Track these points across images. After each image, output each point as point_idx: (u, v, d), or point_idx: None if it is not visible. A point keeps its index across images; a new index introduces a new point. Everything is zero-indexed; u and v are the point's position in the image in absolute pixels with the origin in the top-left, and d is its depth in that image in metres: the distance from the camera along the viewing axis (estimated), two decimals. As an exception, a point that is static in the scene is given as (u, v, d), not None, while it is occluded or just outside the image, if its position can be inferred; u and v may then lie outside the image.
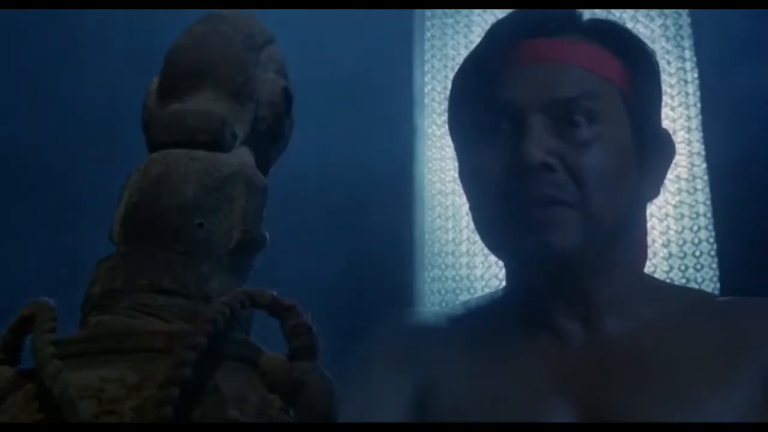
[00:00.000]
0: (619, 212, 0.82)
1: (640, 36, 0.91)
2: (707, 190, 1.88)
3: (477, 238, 0.88)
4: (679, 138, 1.91)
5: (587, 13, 0.89)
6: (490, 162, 0.82)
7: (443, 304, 1.96)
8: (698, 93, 1.94)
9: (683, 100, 1.95)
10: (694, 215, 1.88)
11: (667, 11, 2.03)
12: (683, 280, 1.83)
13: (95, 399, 0.37)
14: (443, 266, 2.02)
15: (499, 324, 0.87)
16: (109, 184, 0.52)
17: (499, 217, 0.82)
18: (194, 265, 0.42)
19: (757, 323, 0.82)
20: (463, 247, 2.01)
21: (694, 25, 1.99)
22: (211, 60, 0.48)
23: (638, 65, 0.86)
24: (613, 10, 1.98)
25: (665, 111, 1.90)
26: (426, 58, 2.20)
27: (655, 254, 1.86)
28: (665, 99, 1.90)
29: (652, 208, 1.82)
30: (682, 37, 2.01)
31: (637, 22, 2.03)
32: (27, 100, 2.05)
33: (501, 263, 0.94)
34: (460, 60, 0.91)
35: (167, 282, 0.42)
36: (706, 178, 1.89)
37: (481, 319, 0.89)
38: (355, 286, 1.87)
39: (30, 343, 0.39)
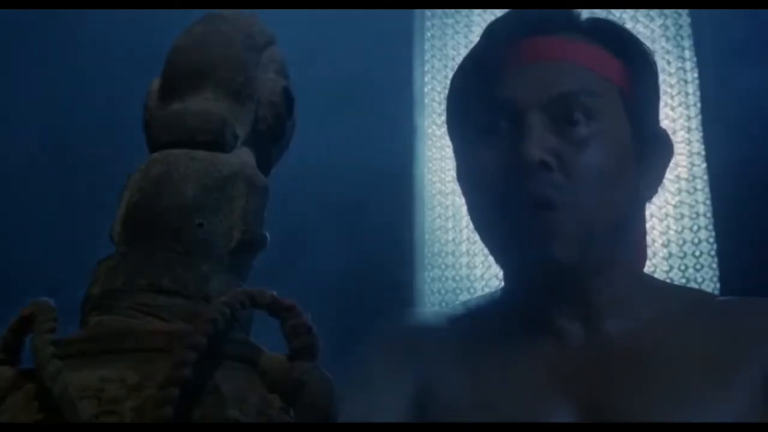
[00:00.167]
0: (618, 211, 0.82)
1: (640, 36, 0.91)
2: (707, 190, 1.88)
3: (477, 238, 0.88)
4: (679, 138, 1.91)
5: (587, 13, 0.89)
6: (489, 162, 0.82)
7: (443, 304, 1.96)
8: (698, 93, 1.94)
9: (683, 100, 1.95)
10: (694, 215, 1.88)
11: (667, 11, 2.03)
12: (683, 280, 1.83)
13: (95, 399, 0.37)
14: (443, 266, 2.02)
15: (499, 324, 0.87)
16: (109, 184, 0.52)
17: (498, 219, 0.82)
18: (194, 265, 0.42)
19: (757, 323, 0.82)
20: (463, 247, 2.01)
21: (694, 25, 1.99)
22: (211, 60, 0.48)
23: (637, 65, 0.86)
24: (613, 10, 1.98)
25: (665, 111, 1.91)
26: (426, 58, 2.20)
27: (655, 254, 1.85)
28: (665, 99, 1.91)
29: (652, 208, 1.82)
30: (682, 37, 2.01)
31: (637, 22, 2.03)
32: (27, 100, 2.05)
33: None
34: (460, 60, 0.91)
35: (167, 282, 0.42)
36: (706, 178, 1.89)
37: (481, 319, 0.89)
38: (355, 286, 1.87)
39: (30, 343, 0.40)
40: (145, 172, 0.45)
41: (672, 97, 1.95)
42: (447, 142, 0.92)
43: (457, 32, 2.19)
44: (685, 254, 1.87)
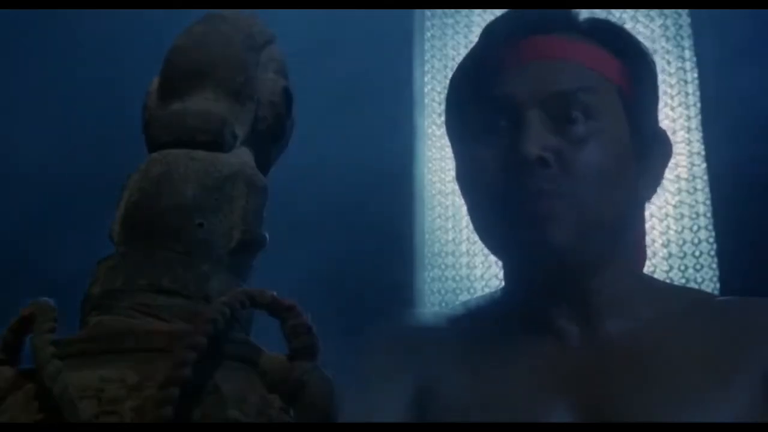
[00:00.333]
0: (617, 210, 0.82)
1: (640, 36, 0.91)
2: (707, 190, 1.88)
3: (477, 238, 0.88)
4: (679, 138, 1.91)
5: (586, 13, 0.89)
6: (488, 162, 0.82)
7: (443, 304, 1.96)
8: (698, 93, 1.94)
9: (683, 100, 1.95)
10: (694, 215, 1.88)
11: (667, 11, 2.03)
12: (683, 280, 1.83)
13: (95, 399, 0.37)
14: (443, 266, 2.01)
15: (499, 324, 0.87)
16: (109, 184, 0.52)
17: (497, 215, 0.82)
18: (194, 265, 0.42)
19: (757, 323, 0.82)
20: (463, 247, 2.01)
21: (694, 25, 1.99)
22: (211, 60, 0.48)
23: (636, 65, 0.86)
24: (613, 10, 1.98)
25: (665, 111, 1.91)
26: (426, 58, 2.20)
27: (655, 254, 1.85)
28: (665, 99, 1.91)
29: (652, 208, 1.82)
30: (682, 37, 2.01)
31: (637, 22, 2.03)
32: (26, 100, 2.05)
33: (501, 263, 0.94)
34: (460, 60, 0.91)
35: (167, 282, 0.42)
36: (706, 178, 1.89)
37: (481, 319, 0.89)
38: (354, 286, 1.87)
39: (30, 343, 0.40)
40: (145, 172, 0.45)
41: (672, 97, 1.95)
42: (447, 142, 0.92)
43: (457, 32, 2.19)
44: (685, 254, 1.87)
